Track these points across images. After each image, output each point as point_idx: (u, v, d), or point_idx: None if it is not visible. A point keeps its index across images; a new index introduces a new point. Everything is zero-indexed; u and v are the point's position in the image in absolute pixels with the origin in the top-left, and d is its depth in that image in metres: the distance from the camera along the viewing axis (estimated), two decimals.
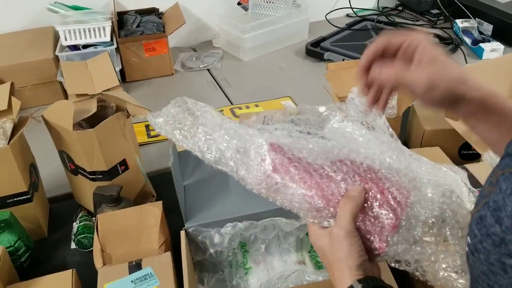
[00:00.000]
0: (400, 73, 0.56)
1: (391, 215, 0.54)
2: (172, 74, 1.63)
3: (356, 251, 0.53)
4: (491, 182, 0.44)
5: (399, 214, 0.54)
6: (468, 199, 0.82)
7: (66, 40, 1.44)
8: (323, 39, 1.77)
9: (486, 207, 0.41)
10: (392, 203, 0.54)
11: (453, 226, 0.55)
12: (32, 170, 0.97)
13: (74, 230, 0.94)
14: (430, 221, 0.54)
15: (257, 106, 1.43)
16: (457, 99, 0.56)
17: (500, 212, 0.39)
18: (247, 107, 1.42)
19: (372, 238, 0.55)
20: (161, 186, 1.07)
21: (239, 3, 1.83)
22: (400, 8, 2.07)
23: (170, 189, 0.89)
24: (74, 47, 1.47)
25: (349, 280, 0.52)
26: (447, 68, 0.56)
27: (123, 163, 0.96)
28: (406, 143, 1.20)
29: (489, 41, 1.68)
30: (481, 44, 1.65)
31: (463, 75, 0.56)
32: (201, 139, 0.60)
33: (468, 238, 0.43)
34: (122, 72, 1.56)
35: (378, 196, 0.55)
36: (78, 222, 0.95)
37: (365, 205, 0.55)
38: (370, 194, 0.55)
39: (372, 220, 0.54)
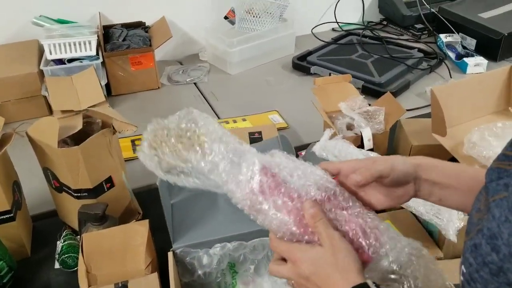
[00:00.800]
0: (370, 169, 0.59)
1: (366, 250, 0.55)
2: (159, 87, 1.62)
3: (354, 253, 0.53)
4: (479, 209, 0.44)
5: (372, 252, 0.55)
6: (457, 216, 0.83)
7: (51, 54, 1.42)
8: (310, 53, 1.78)
9: (481, 235, 0.41)
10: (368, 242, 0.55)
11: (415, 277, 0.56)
12: (15, 188, 0.95)
13: (58, 249, 0.92)
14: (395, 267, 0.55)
15: (244, 120, 1.43)
16: (416, 177, 0.60)
17: (496, 240, 0.39)
18: (234, 121, 1.42)
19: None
20: (147, 202, 1.06)
21: (226, 17, 1.83)
22: (385, 22, 2.10)
23: (157, 205, 0.88)
24: (59, 61, 1.46)
25: (358, 279, 0.50)
26: (395, 157, 0.61)
27: (109, 180, 0.94)
28: None
29: (472, 55, 1.71)
30: (465, 59, 1.68)
31: (416, 159, 0.62)
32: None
33: (463, 267, 0.43)
34: (107, 86, 1.54)
35: (360, 233, 0.55)
36: (62, 241, 0.93)
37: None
38: (351, 231, 0.55)
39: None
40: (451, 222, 0.82)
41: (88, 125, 0.97)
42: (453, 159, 1.05)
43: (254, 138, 1.15)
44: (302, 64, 1.71)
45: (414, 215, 0.96)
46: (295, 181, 0.57)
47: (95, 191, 0.92)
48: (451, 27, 1.82)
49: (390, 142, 1.19)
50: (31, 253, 0.98)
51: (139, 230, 0.84)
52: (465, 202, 0.59)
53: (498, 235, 0.39)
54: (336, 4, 2.04)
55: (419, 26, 1.97)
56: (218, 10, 1.83)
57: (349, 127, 1.17)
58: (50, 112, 1.42)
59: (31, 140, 0.91)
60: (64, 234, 0.95)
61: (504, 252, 0.38)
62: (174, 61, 1.83)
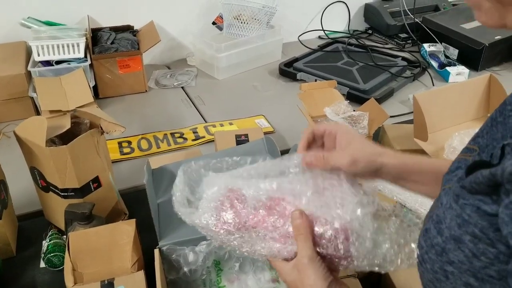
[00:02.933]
0: (326, 159, 0.65)
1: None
2: (146, 91, 1.63)
3: (321, 274, 0.56)
4: (438, 197, 0.48)
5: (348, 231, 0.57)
6: None
7: (38, 55, 1.43)
8: (296, 59, 1.81)
9: (431, 221, 0.45)
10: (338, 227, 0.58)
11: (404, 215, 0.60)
12: (1, 187, 0.95)
13: (44, 248, 0.92)
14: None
15: (231, 124, 1.44)
16: (378, 169, 0.64)
17: (441, 224, 0.43)
18: (221, 125, 1.43)
19: (336, 258, 0.58)
20: (134, 203, 1.06)
21: (214, 23, 1.85)
22: (370, 31, 2.14)
23: (143, 206, 0.89)
24: (47, 63, 1.46)
25: None
26: (363, 146, 0.65)
27: (96, 180, 0.95)
28: None
29: (454, 65, 1.75)
30: (447, 68, 1.72)
31: (378, 149, 0.65)
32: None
33: (417, 250, 0.47)
34: (95, 89, 1.55)
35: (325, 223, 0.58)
36: (48, 240, 0.93)
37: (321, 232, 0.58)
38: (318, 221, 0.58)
39: (329, 243, 0.58)
40: None
41: (76, 125, 0.97)
42: None
43: (241, 140, 1.17)
44: (288, 70, 1.73)
45: None
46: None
47: (82, 191, 0.93)
48: (434, 37, 1.87)
49: None
50: (17, 252, 0.97)
51: (126, 229, 0.85)
52: (427, 191, 0.64)
53: (443, 220, 0.43)
54: (323, 13, 2.08)
55: (403, 35, 2.01)
56: (206, 16, 1.85)
57: None
58: (37, 113, 1.42)
59: (18, 139, 0.91)
60: (50, 233, 0.95)
61: (446, 235, 0.42)
62: (162, 65, 1.84)
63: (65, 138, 0.93)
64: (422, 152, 1.07)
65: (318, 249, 0.57)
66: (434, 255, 0.43)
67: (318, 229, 0.57)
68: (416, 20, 1.97)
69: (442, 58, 1.82)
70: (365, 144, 0.66)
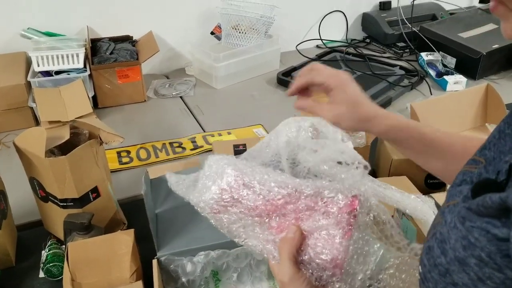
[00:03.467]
0: (312, 109, 0.68)
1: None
2: (145, 101, 1.64)
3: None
4: (441, 212, 0.47)
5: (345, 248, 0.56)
6: None
7: (38, 66, 1.44)
8: (294, 69, 1.82)
9: (434, 238, 0.44)
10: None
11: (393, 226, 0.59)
12: (1, 197, 0.95)
13: (43, 258, 0.93)
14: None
15: (229, 133, 1.45)
16: (367, 129, 0.67)
17: (445, 244, 0.42)
18: (220, 135, 1.44)
19: (325, 269, 0.56)
20: (132, 213, 1.07)
21: (212, 33, 1.86)
22: (368, 40, 2.15)
23: (141, 216, 0.89)
24: (47, 73, 1.47)
25: None
26: (354, 109, 0.66)
27: (95, 190, 0.95)
28: (375, 172, 1.24)
29: (452, 73, 1.76)
30: (445, 77, 1.73)
31: (370, 114, 0.66)
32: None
33: (420, 267, 0.46)
34: (94, 99, 1.56)
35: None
36: (47, 250, 0.93)
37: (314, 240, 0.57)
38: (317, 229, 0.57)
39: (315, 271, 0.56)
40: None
41: (75, 136, 0.98)
42: (430, 175, 1.08)
43: (239, 150, 1.17)
44: (286, 80, 1.74)
45: None
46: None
47: (81, 201, 0.93)
48: (432, 46, 1.88)
49: (372, 156, 1.22)
50: (16, 262, 0.98)
51: (124, 239, 0.85)
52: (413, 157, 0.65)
53: (447, 240, 0.41)
54: (321, 22, 2.09)
55: (401, 44, 2.02)
56: (205, 26, 1.87)
57: None
58: (37, 123, 1.43)
59: (18, 149, 0.92)
60: (49, 243, 0.95)
61: (451, 256, 0.41)
62: (160, 75, 1.85)
63: (64, 148, 0.93)
64: None
65: (302, 268, 0.56)
66: (437, 275, 0.42)
67: (309, 252, 0.56)
68: (414, 29, 1.99)
69: (440, 67, 1.83)
70: (357, 107, 0.67)
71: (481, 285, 0.38)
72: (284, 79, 1.75)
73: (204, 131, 1.47)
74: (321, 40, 2.10)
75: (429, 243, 0.45)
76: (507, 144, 0.44)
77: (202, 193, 0.59)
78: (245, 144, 1.21)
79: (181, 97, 1.69)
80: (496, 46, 1.77)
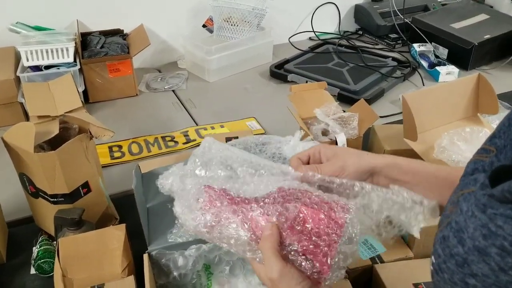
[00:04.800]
0: (319, 168, 0.67)
1: (326, 240, 0.56)
2: (137, 95, 1.63)
3: (295, 284, 0.55)
4: (453, 202, 0.46)
5: (335, 238, 0.55)
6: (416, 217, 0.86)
7: (27, 60, 1.42)
8: (287, 61, 1.81)
9: (449, 228, 0.43)
10: (328, 229, 0.56)
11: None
12: None
13: (34, 255, 0.92)
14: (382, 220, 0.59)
15: (222, 126, 1.44)
16: (369, 171, 0.66)
17: (462, 233, 0.41)
18: (212, 128, 1.43)
19: (314, 262, 0.55)
20: (125, 208, 1.06)
21: (204, 26, 1.85)
22: (360, 32, 2.15)
23: (134, 211, 0.88)
24: (36, 68, 1.45)
25: None
26: (349, 152, 0.68)
27: (86, 185, 0.95)
28: None
29: (444, 64, 1.76)
30: (437, 68, 1.73)
31: (366, 152, 0.68)
32: None
33: (432, 257, 0.45)
34: (85, 93, 1.54)
35: (312, 224, 0.57)
36: (38, 247, 0.92)
37: (301, 234, 0.57)
38: (305, 223, 0.57)
39: (311, 246, 0.56)
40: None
41: (65, 130, 0.97)
42: None
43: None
44: (279, 72, 1.74)
45: None
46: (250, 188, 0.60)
47: (72, 196, 0.93)
48: (424, 37, 1.88)
49: (364, 147, 1.22)
50: (7, 259, 0.97)
51: (116, 234, 0.84)
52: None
53: (465, 229, 0.40)
54: (313, 14, 2.08)
55: (393, 35, 2.02)
56: (196, 19, 1.85)
57: (324, 132, 1.19)
58: (27, 118, 1.42)
59: (7, 145, 0.91)
60: (40, 239, 0.95)
61: (469, 246, 0.39)
62: (152, 69, 1.84)
63: (54, 143, 0.92)
64: (412, 152, 1.08)
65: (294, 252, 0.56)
66: (454, 266, 0.41)
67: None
68: (406, 20, 1.99)
69: (432, 58, 1.83)
70: (351, 150, 0.68)
71: (503, 275, 0.37)
72: (277, 71, 1.74)
73: (197, 125, 1.46)
74: (314, 32, 2.10)
75: (444, 233, 0.43)
76: None
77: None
78: (237, 137, 1.20)
79: (173, 90, 1.68)
80: (487, 36, 1.77)
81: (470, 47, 1.73)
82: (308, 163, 0.70)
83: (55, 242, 0.93)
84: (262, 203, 0.59)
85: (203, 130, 1.42)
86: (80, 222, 0.88)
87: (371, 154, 0.68)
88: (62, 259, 0.81)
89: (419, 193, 0.62)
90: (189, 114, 1.53)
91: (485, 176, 0.42)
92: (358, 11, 2.14)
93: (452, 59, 1.80)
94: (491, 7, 2.15)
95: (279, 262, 0.55)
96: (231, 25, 1.77)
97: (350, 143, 1.14)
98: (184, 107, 1.57)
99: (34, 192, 0.95)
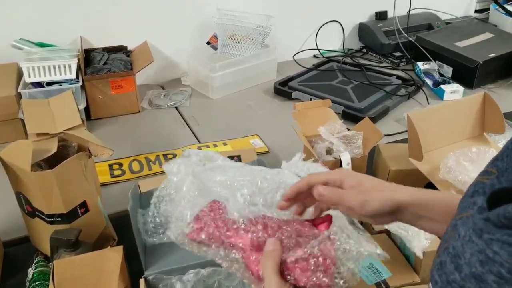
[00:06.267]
0: (342, 195, 0.60)
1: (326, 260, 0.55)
2: (139, 111, 1.62)
3: None
4: (452, 225, 0.44)
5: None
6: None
7: (29, 77, 1.41)
8: (291, 78, 1.80)
9: (446, 253, 0.41)
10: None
11: None
12: None
13: (29, 276, 0.89)
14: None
15: (225, 144, 1.42)
16: (394, 209, 0.60)
17: (459, 259, 0.39)
18: (215, 146, 1.42)
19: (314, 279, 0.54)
20: (124, 227, 1.03)
21: (208, 43, 1.85)
22: (364, 50, 2.14)
23: (133, 231, 0.86)
24: (38, 84, 1.45)
25: None
26: (376, 184, 0.62)
27: (83, 205, 0.93)
28: None
29: (449, 83, 1.75)
30: (441, 86, 1.71)
31: (392, 185, 0.62)
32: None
33: (430, 284, 0.43)
34: (87, 110, 1.53)
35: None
36: (33, 268, 0.90)
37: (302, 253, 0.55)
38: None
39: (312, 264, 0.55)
40: (417, 237, 0.83)
41: (64, 148, 0.95)
42: (429, 184, 1.06)
43: None
44: (283, 89, 1.73)
45: (391, 239, 0.96)
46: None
47: (69, 216, 0.91)
48: (428, 55, 1.87)
49: (369, 167, 1.20)
50: (2, 280, 0.95)
51: (113, 257, 0.82)
52: (442, 231, 0.59)
53: (461, 255, 0.39)
54: (318, 32, 2.08)
55: (397, 54, 2.01)
56: (201, 36, 1.85)
57: (328, 151, 1.17)
58: (27, 135, 1.40)
59: (3, 163, 0.89)
60: (36, 260, 0.92)
61: (466, 272, 0.38)
62: (155, 85, 1.83)
63: (53, 161, 0.91)
64: (417, 171, 1.05)
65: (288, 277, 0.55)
66: None
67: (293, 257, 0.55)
68: (410, 38, 1.98)
69: (437, 76, 1.81)
70: (377, 182, 0.62)
71: None
72: (281, 89, 1.73)
73: (200, 142, 1.45)
74: (318, 50, 2.09)
75: (441, 258, 0.42)
76: None
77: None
78: (239, 156, 1.19)
79: (176, 107, 1.67)
80: (492, 55, 1.75)
81: (475, 66, 1.72)
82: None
83: (51, 263, 0.91)
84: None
85: (206, 147, 1.40)
86: (76, 243, 0.85)
87: (395, 186, 0.62)
88: (57, 282, 0.78)
89: (438, 228, 0.59)
90: (191, 131, 1.52)
91: (483, 199, 0.41)
92: (362, 29, 2.13)
93: (456, 78, 1.79)
94: (495, 26, 2.14)
95: (279, 280, 0.53)
96: (236, 42, 1.77)
97: (354, 162, 1.12)
98: (187, 124, 1.56)
99: (31, 212, 0.93)
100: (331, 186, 0.61)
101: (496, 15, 2.20)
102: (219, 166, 0.70)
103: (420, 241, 0.82)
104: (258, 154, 1.30)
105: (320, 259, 0.54)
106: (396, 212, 0.61)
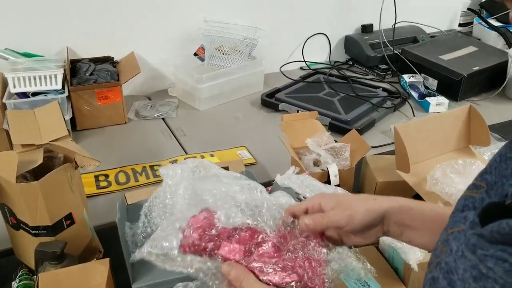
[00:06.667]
0: (327, 218, 0.62)
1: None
2: (126, 122, 1.61)
3: None
4: (443, 240, 0.44)
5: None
6: None
7: (15, 87, 1.40)
8: (278, 90, 1.81)
9: (439, 269, 0.41)
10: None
11: None
12: None
13: None
14: None
15: (212, 155, 1.42)
16: (380, 218, 0.61)
17: (452, 275, 0.39)
18: (202, 157, 1.41)
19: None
20: (110, 239, 1.02)
21: (195, 54, 1.85)
22: (351, 62, 2.16)
23: (119, 243, 0.85)
24: (23, 95, 1.43)
25: None
26: (354, 198, 0.64)
27: (69, 217, 0.91)
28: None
29: (434, 95, 1.77)
30: (427, 98, 1.73)
31: (371, 196, 0.64)
32: None
33: None
34: (73, 121, 1.52)
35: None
36: (17, 281, 0.88)
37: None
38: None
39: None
40: (411, 248, 0.83)
41: (50, 159, 0.94)
42: (417, 196, 1.07)
43: None
44: (270, 101, 1.73)
45: (380, 252, 0.97)
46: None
47: (54, 229, 0.89)
48: (413, 68, 1.89)
49: (356, 178, 1.20)
50: None
51: (99, 269, 0.80)
52: (429, 242, 0.60)
53: (454, 270, 0.39)
54: (304, 44, 2.10)
55: (383, 66, 2.03)
56: (188, 47, 1.85)
57: (316, 163, 1.18)
58: (12, 146, 1.38)
59: None
60: (20, 274, 0.90)
61: None
62: (142, 96, 1.82)
63: (38, 173, 0.89)
64: (404, 183, 1.06)
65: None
66: None
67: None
68: (396, 51, 2.00)
69: (422, 88, 1.83)
70: (356, 196, 0.64)
71: None
72: (268, 100, 1.74)
73: (186, 154, 1.44)
74: (305, 62, 2.10)
75: (433, 274, 0.42)
76: (509, 168, 0.41)
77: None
78: (227, 167, 1.18)
79: (163, 118, 1.66)
80: (476, 68, 1.79)
81: (460, 79, 1.74)
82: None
83: (35, 276, 0.89)
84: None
85: (193, 159, 1.39)
86: (62, 256, 0.84)
87: (378, 197, 0.63)
88: None
89: (424, 237, 0.60)
90: (178, 142, 1.51)
91: (474, 213, 0.41)
92: (348, 42, 2.16)
93: (441, 90, 1.81)
94: (479, 39, 2.18)
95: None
96: (223, 54, 1.77)
97: (342, 174, 1.12)
98: (174, 136, 1.55)
99: (15, 224, 0.91)
100: (312, 212, 0.63)
101: (479, 29, 2.24)
102: (214, 175, 0.70)
103: (415, 253, 0.82)
104: (246, 165, 1.30)
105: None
106: (382, 223, 0.61)
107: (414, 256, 0.82)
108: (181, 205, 0.61)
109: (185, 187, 0.63)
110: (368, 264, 0.62)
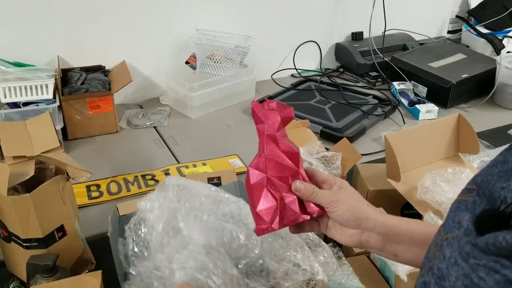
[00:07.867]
0: (315, 191, 0.68)
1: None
2: (117, 131, 1.61)
3: None
4: (437, 244, 0.45)
5: None
6: None
7: (5, 97, 1.39)
8: (269, 98, 1.81)
9: (431, 274, 0.41)
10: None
11: None
12: None
13: None
14: None
15: (204, 164, 1.42)
16: (362, 219, 0.64)
17: (443, 281, 0.39)
18: (194, 166, 1.41)
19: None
20: (102, 251, 1.02)
21: (187, 62, 1.85)
22: (341, 70, 2.18)
23: (111, 255, 0.85)
24: (14, 105, 1.42)
25: None
26: (353, 194, 0.68)
27: (61, 229, 0.91)
28: None
29: (424, 102, 1.79)
30: (417, 106, 1.75)
31: (368, 203, 0.66)
32: None
33: None
34: (64, 130, 1.51)
35: None
36: None
37: None
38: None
39: None
40: None
41: (41, 171, 0.94)
42: (407, 204, 1.08)
43: (213, 183, 1.14)
44: None
45: (371, 261, 0.97)
46: None
47: (46, 241, 0.89)
48: (403, 75, 1.91)
49: None
50: None
51: (91, 282, 0.80)
52: (411, 255, 0.61)
53: (446, 277, 0.39)
54: (295, 52, 2.11)
55: (373, 74, 2.05)
56: (179, 55, 1.86)
57: None
58: (2, 158, 1.37)
59: None
60: (11, 286, 0.90)
61: None
62: (134, 105, 1.82)
63: (30, 185, 0.89)
64: (395, 191, 1.07)
65: None
66: None
67: None
68: (386, 59, 2.02)
69: (412, 96, 1.85)
70: (356, 192, 0.68)
71: None
72: None
73: (178, 162, 1.44)
74: (296, 69, 2.12)
75: (425, 278, 0.42)
76: (497, 167, 0.41)
77: None
78: (219, 177, 1.18)
79: (155, 127, 1.66)
80: (465, 75, 1.81)
81: (449, 86, 1.76)
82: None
83: None
84: None
85: (185, 168, 1.39)
86: (53, 268, 0.84)
87: (372, 207, 0.66)
88: None
89: (414, 256, 0.61)
90: (170, 151, 1.51)
91: (468, 219, 0.41)
92: (339, 49, 2.17)
93: (431, 97, 1.83)
94: (467, 46, 2.21)
95: None
96: (214, 62, 1.78)
97: None
98: (166, 144, 1.55)
99: (6, 236, 0.91)
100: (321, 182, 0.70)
101: (468, 36, 2.27)
102: (193, 204, 0.72)
103: (403, 264, 0.83)
104: (238, 174, 1.30)
105: None
106: (363, 231, 0.63)
107: (403, 268, 0.83)
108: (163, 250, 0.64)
109: (165, 223, 0.65)
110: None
